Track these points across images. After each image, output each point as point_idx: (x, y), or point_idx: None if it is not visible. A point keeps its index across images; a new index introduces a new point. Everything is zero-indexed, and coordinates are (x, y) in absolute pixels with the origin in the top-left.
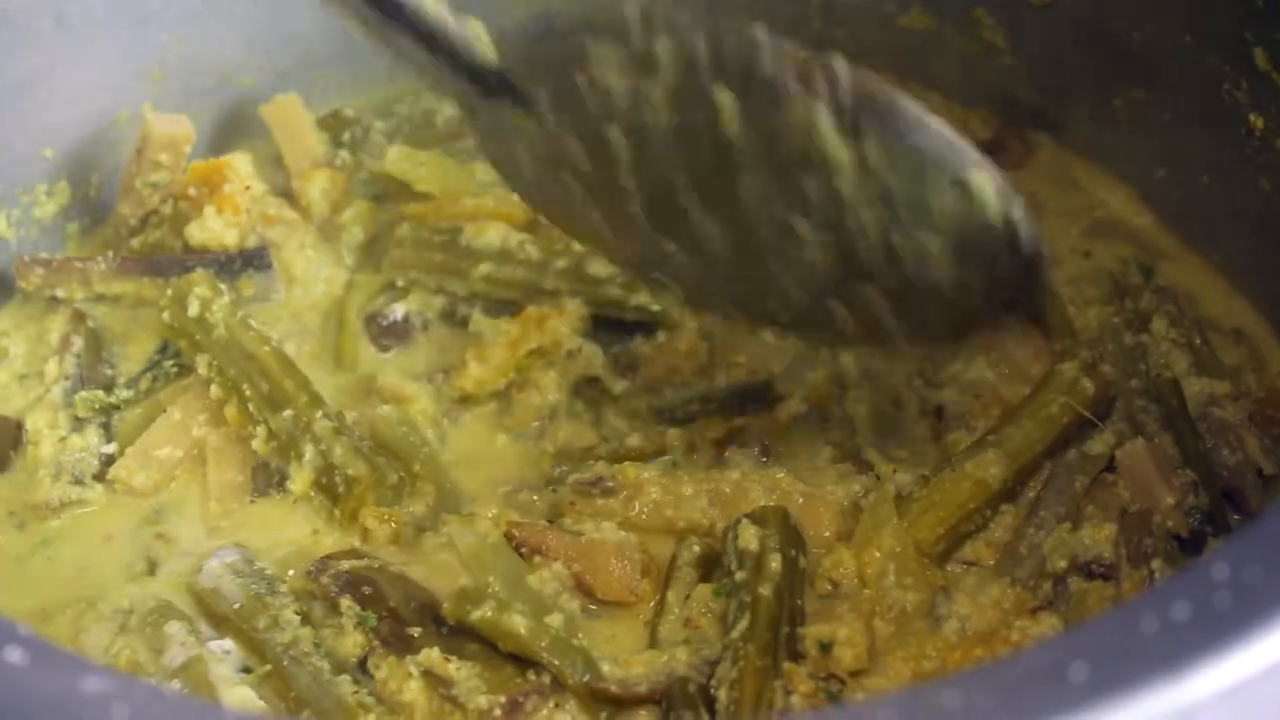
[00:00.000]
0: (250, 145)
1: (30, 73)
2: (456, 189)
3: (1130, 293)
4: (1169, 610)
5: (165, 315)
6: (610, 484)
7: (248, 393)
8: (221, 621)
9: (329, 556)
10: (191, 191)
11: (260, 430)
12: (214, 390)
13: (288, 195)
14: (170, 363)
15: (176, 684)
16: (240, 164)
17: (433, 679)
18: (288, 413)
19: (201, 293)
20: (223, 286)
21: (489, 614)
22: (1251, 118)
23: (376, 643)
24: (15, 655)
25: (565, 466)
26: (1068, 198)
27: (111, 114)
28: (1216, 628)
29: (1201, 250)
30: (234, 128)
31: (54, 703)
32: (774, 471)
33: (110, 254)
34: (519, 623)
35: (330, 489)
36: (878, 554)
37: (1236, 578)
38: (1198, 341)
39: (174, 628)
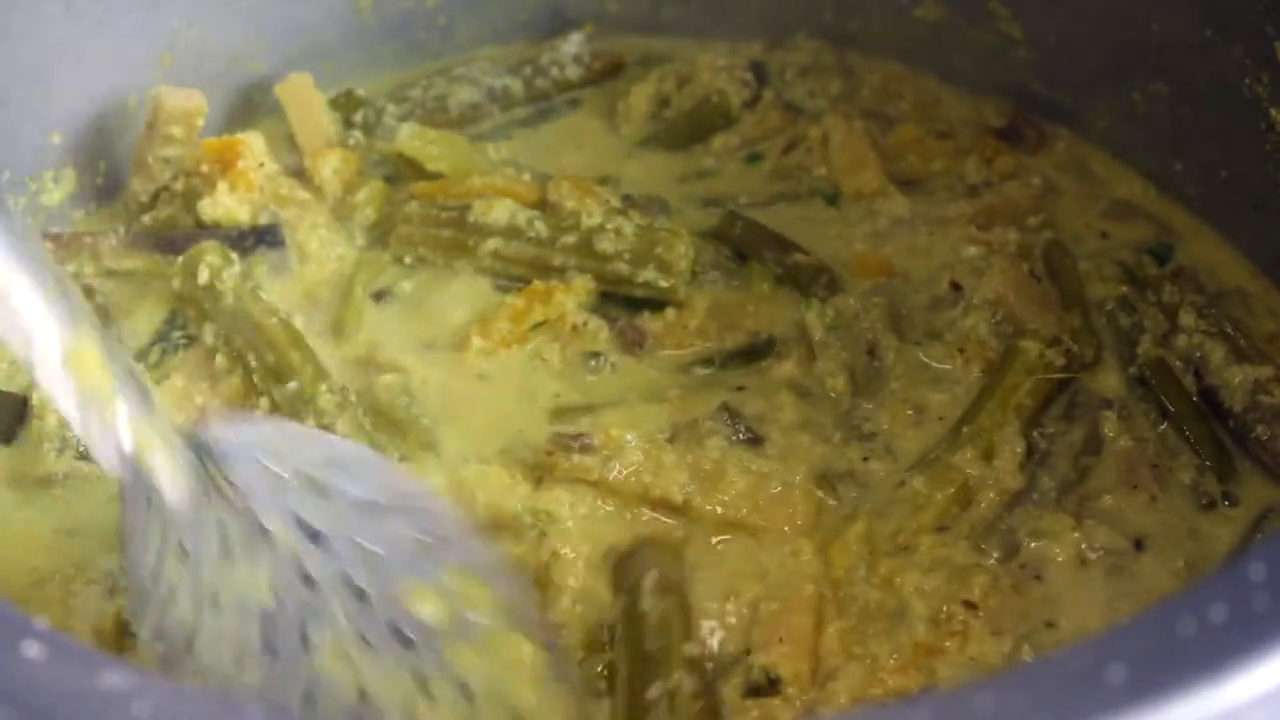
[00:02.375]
0: (260, 128)
1: (39, 58)
2: (467, 167)
3: (1150, 285)
4: (1206, 612)
5: (175, 283)
6: (590, 441)
7: (253, 363)
8: None
9: None
10: (204, 168)
11: (264, 402)
12: (219, 360)
13: (300, 175)
14: (178, 334)
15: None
16: (254, 142)
17: None
18: (292, 385)
19: (212, 261)
20: (234, 256)
21: None
22: (1272, 113)
23: None
24: (33, 650)
25: (558, 424)
26: (1085, 184)
27: (120, 99)
28: (1254, 630)
29: (1221, 231)
30: (243, 112)
31: (73, 698)
32: (755, 454)
33: (121, 229)
34: None
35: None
36: (849, 551)
37: (1273, 578)
38: (1229, 329)
39: None
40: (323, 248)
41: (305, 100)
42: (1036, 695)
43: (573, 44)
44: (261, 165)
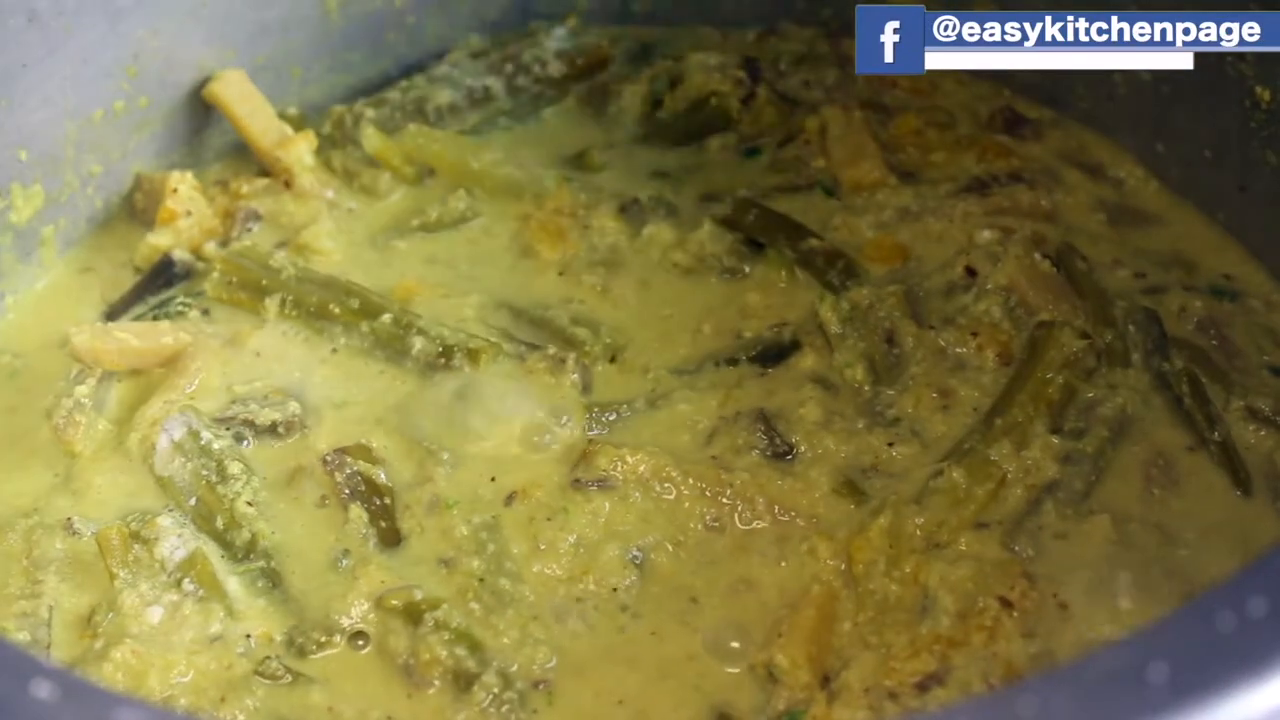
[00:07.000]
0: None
1: (3, 72)
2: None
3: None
4: (1244, 607)
5: (218, 276)
6: (606, 478)
7: (336, 310)
8: (191, 516)
9: (344, 450)
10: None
11: (356, 340)
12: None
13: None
14: (180, 300)
15: (187, 582)
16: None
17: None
18: (386, 316)
19: (258, 250)
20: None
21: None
22: (1258, 90)
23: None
24: (44, 691)
25: (597, 409)
26: (1088, 176)
27: (86, 112)
28: None
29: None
30: (208, 120)
31: None
32: (783, 469)
33: None
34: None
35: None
36: (870, 546)
37: None
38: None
39: (166, 520)
40: (333, 241)
41: (245, 98)
42: (1079, 696)
43: (556, 39)
44: (189, 213)
